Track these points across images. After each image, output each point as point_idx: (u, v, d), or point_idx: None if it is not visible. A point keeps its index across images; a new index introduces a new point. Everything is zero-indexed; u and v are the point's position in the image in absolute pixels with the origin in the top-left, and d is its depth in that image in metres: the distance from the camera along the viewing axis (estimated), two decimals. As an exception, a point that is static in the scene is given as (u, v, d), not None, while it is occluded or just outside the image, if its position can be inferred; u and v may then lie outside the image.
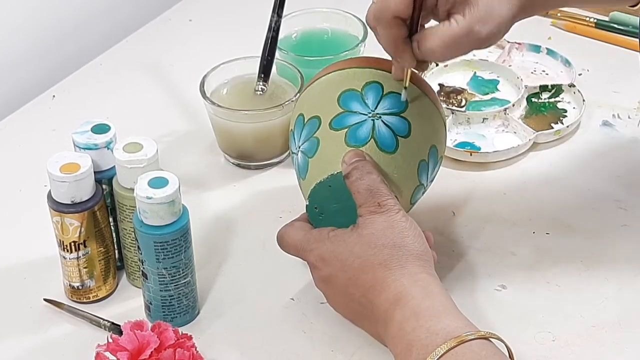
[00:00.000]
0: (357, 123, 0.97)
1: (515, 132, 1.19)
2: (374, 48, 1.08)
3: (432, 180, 1.02)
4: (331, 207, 0.96)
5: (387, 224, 0.92)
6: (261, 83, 1.17)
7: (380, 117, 0.97)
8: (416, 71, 0.98)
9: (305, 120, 1.00)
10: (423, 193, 1.01)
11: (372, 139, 0.96)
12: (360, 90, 0.98)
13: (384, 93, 0.98)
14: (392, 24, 0.91)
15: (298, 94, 1.14)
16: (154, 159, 0.96)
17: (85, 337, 0.98)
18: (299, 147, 1.00)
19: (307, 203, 0.98)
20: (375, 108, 0.97)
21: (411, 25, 0.92)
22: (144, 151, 0.96)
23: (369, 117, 0.97)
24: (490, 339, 0.86)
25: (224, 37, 1.37)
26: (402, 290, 0.89)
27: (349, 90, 0.98)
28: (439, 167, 1.02)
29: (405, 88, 0.97)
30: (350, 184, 0.94)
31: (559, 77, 1.28)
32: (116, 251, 1.03)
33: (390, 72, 0.99)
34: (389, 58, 0.96)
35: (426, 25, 0.93)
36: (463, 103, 1.23)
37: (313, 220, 0.98)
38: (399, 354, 0.88)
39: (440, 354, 0.83)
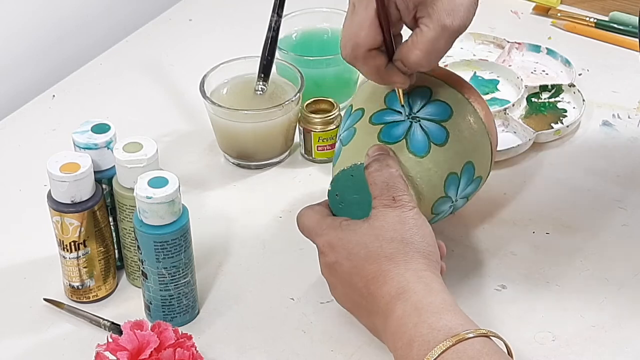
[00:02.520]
0: (394, 122, 0.97)
1: (515, 132, 1.19)
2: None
3: (464, 198, 1.01)
4: (351, 197, 0.96)
5: (399, 218, 0.92)
6: (261, 83, 1.17)
7: (419, 121, 0.97)
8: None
9: (352, 110, 1.01)
10: (451, 207, 1.00)
11: (404, 139, 0.96)
12: (408, 91, 0.98)
13: (431, 99, 0.98)
14: (368, 57, 0.94)
15: (299, 94, 1.14)
16: (153, 159, 0.96)
17: (85, 336, 0.98)
18: (341, 135, 1.01)
19: (330, 189, 0.98)
20: (418, 112, 0.98)
21: (388, 50, 0.94)
22: (144, 151, 0.96)
23: (408, 118, 0.97)
24: (491, 337, 0.86)
25: (224, 37, 1.37)
26: (404, 285, 0.89)
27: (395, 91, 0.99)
28: (476, 188, 1.01)
29: (403, 106, 0.98)
30: (368, 174, 0.94)
31: (559, 77, 1.28)
32: (116, 251, 1.03)
33: (444, 82, 0.99)
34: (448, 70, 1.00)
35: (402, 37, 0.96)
36: (463, 103, 1.23)
37: (332, 207, 0.98)
38: (398, 348, 0.87)
39: (441, 351, 0.84)
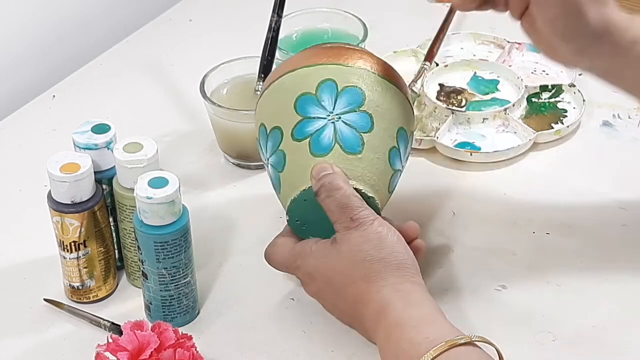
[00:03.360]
0: (318, 130, 0.95)
1: (515, 132, 1.19)
2: (373, 48, 1.08)
3: (407, 159, 1.00)
4: (311, 218, 0.96)
5: (363, 238, 0.91)
6: (261, 83, 1.17)
7: (340, 118, 0.95)
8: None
9: (268, 131, 0.99)
10: (400, 175, 1.00)
11: (336, 144, 0.95)
12: (314, 92, 0.96)
13: (339, 90, 0.96)
14: None
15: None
16: (154, 159, 0.96)
17: (85, 337, 0.98)
18: (268, 160, 0.99)
19: (287, 218, 0.97)
20: (333, 108, 0.96)
21: None
22: (144, 151, 0.96)
23: (329, 120, 0.96)
24: (477, 342, 0.86)
25: (224, 37, 1.37)
26: (383, 304, 0.89)
27: (303, 95, 0.97)
28: (411, 144, 1.01)
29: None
30: (321, 202, 0.93)
31: (559, 77, 1.28)
32: (116, 251, 1.03)
33: (340, 64, 0.97)
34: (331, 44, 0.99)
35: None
36: (463, 103, 1.23)
37: (297, 232, 0.98)
38: None
39: None
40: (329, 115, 0.96)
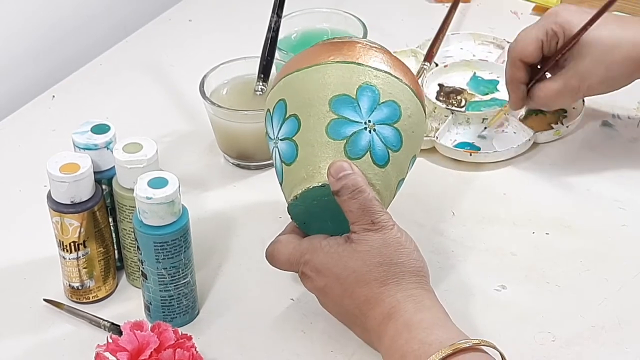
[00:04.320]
0: (354, 133, 0.94)
1: (515, 132, 1.19)
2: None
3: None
4: (317, 212, 0.95)
5: (382, 241, 0.92)
6: (261, 83, 1.17)
7: (375, 129, 0.94)
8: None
9: (286, 114, 0.96)
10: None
11: (368, 152, 0.94)
12: (354, 95, 0.95)
13: (381, 101, 0.95)
14: (516, 65, 1.11)
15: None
16: (153, 159, 0.96)
17: (85, 337, 0.98)
18: (277, 143, 0.97)
19: (291, 214, 0.96)
20: (370, 116, 0.94)
21: (533, 76, 1.12)
22: (144, 151, 0.96)
23: (366, 127, 0.94)
24: (483, 346, 0.86)
25: (224, 37, 1.37)
26: (395, 305, 0.90)
27: (342, 95, 0.95)
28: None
29: (486, 128, 1.09)
30: (341, 202, 0.92)
31: (559, 77, 1.28)
32: (116, 251, 1.03)
33: (387, 72, 0.96)
34: (386, 49, 0.98)
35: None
36: (463, 103, 1.23)
37: (301, 226, 0.97)
38: None
39: None
40: (365, 122, 0.94)
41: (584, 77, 1.09)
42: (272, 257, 0.97)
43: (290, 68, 0.98)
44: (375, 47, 0.98)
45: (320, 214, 0.95)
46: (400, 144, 0.95)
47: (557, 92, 1.10)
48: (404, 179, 0.98)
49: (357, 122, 0.94)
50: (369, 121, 0.94)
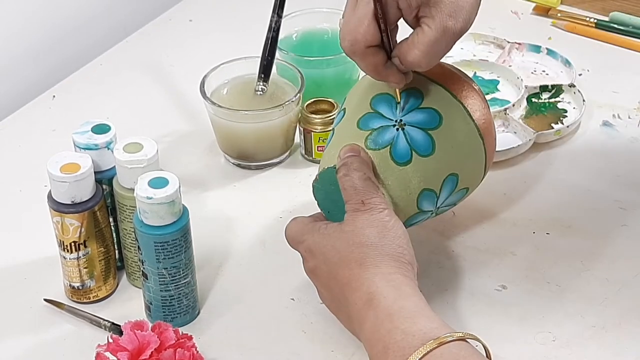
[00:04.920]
0: (382, 127, 0.95)
1: (515, 132, 1.19)
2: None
3: (447, 206, 0.99)
4: (337, 200, 0.95)
5: (368, 222, 0.92)
6: (261, 83, 1.17)
7: (404, 127, 0.95)
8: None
9: (342, 106, 1.00)
10: (432, 214, 0.99)
11: (389, 147, 0.95)
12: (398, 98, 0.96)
13: (421, 105, 0.96)
14: (367, 53, 0.92)
15: (299, 94, 1.14)
16: (154, 159, 0.96)
17: (86, 337, 0.98)
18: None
19: (316, 199, 0.97)
20: (404, 116, 0.95)
21: (386, 48, 0.93)
22: (144, 151, 0.96)
23: (395, 124, 0.95)
24: (468, 339, 0.86)
25: (224, 37, 1.37)
26: (374, 290, 0.89)
27: (384, 94, 0.97)
28: (461, 198, 1.00)
29: (398, 103, 0.96)
30: (339, 180, 0.94)
31: (559, 77, 1.28)
32: (116, 251, 1.03)
33: (439, 84, 0.96)
34: (450, 65, 0.98)
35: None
36: (463, 103, 1.23)
37: (325, 212, 0.97)
38: (374, 355, 0.87)
39: (419, 357, 0.83)
40: (396, 120, 0.95)
41: (457, 12, 0.91)
42: (285, 232, 0.97)
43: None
44: (450, 66, 0.99)
45: (339, 202, 0.95)
46: (431, 151, 0.95)
47: (434, 41, 0.91)
48: (434, 192, 0.96)
49: (389, 118, 0.96)
50: (401, 120, 0.95)
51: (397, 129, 0.95)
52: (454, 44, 0.92)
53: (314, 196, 0.97)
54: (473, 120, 0.97)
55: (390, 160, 0.95)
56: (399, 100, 0.96)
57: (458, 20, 0.90)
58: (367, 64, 0.93)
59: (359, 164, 0.93)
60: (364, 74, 0.96)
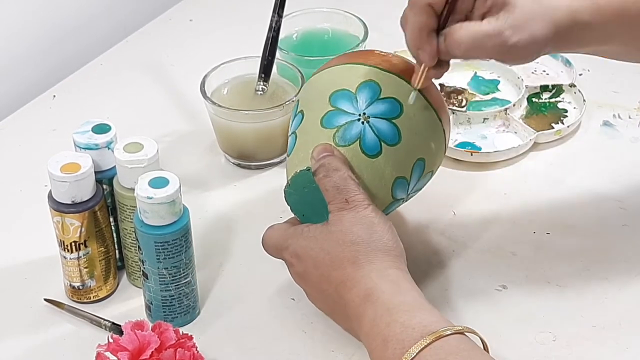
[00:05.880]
0: (347, 123, 0.95)
1: (515, 132, 1.19)
2: (374, 48, 1.08)
3: (416, 191, 1.00)
4: (311, 202, 0.95)
5: (355, 220, 0.92)
6: (262, 83, 1.17)
7: (369, 121, 0.95)
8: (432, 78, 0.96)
9: (298, 110, 1.00)
10: (402, 204, 1.00)
11: (358, 141, 0.95)
12: (354, 90, 0.96)
13: (380, 96, 0.96)
14: (423, 11, 0.91)
15: (299, 92, 1.14)
16: (154, 159, 0.96)
17: (86, 337, 0.98)
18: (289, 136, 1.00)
19: (289, 204, 0.97)
20: (367, 109, 0.96)
21: (440, 19, 0.91)
22: (145, 151, 0.96)
23: (359, 118, 0.95)
24: (466, 333, 0.86)
25: (224, 37, 1.37)
26: (372, 286, 0.89)
27: (342, 90, 0.97)
28: (427, 181, 1.00)
29: (416, 90, 0.95)
30: (318, 181, 0.93)
31: (559, 77, 1.28)
32: (117, 251, 1.03)
33: (395, 74, 0.97)
34: (404, 57, 0.97)
35: None
36: (464, 103, 1.23)
37: (299, 216, 0.97)
38: (374, 350, 0.87)
39: (418, 350, 0.83)
40: (360, 114, 0.96)
41: (520, 29, 0.90)
42: (263, 242, 0.97)
43: (313, 75, 1.02)
44: (392, 55, 1.00)
45: (314, 205, 0.95)
46: (398, 139, 0.96)
47: (485, 36, 0.90)
48: (405, 179, 0.97)
49: (351, 113, 0.96)
50: (364, 113, 0.96)
51: (363, 123, 0.95)
52: (497, 56, 0.91)
53: (287, 202, 0.97)
54: (430, 103, 0.97)
55: (362, 154, 0.95)
56: (417, 83, 0.94)
57: (515, 35, 0.89)
58: (417, 20, 0.92)
59: (337, 163, 0.93)
60: (308, 77, 0.97)
